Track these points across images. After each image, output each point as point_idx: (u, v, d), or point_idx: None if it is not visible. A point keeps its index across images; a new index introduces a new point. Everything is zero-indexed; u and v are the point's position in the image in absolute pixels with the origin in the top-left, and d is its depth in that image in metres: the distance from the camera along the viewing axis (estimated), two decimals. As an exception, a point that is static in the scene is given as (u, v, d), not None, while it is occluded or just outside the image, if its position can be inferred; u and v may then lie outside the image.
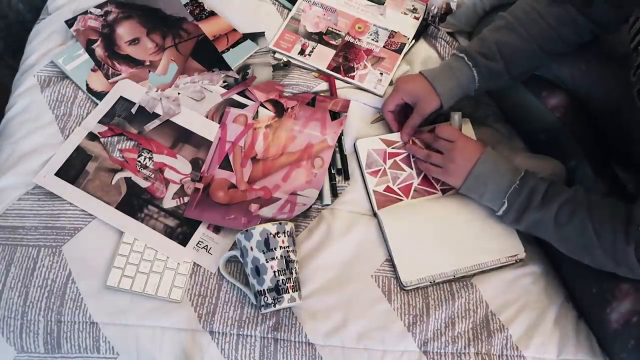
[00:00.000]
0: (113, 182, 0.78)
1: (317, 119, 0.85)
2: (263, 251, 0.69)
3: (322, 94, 0.90)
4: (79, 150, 0.80)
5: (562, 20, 0.76)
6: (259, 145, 0.83)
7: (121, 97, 0.85)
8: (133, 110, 0.84)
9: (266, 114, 0.86)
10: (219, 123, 0.84)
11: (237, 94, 0.87)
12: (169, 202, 0.78)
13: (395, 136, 0.85)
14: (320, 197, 0.81)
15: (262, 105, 0.86)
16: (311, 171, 0.82)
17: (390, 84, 0.92)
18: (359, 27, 0.97)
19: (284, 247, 0.70)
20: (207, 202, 0.78)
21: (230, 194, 0.79)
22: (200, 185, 0.79)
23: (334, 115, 0.87)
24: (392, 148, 0.84)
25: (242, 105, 0.86)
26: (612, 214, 0.67)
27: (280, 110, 0.86)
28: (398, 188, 0.82)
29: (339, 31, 0.96)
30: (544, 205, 0.70)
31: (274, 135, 0.84)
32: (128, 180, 0.79)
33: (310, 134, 0.84)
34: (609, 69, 0.81)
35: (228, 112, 0.85)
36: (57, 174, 0.78)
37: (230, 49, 0.92)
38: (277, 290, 0.69)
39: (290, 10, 0.98)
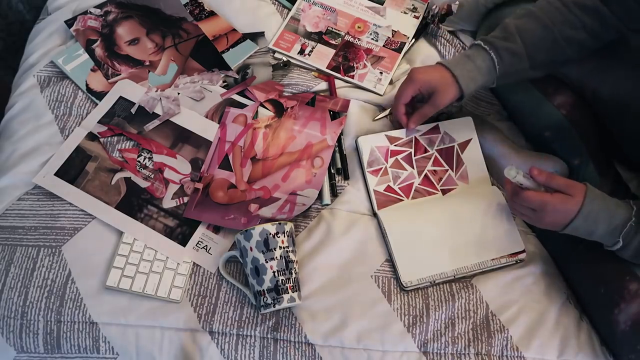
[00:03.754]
0: (113, 182, 0.78)
1: (317, 118, 0.85)
2: (262, 251, 0.69)
3: (321, 94, 0.89)
4: (78, 150, 0.80)
5: (585, 8, 0.73)
6: (258, 145, 0.83)
7: (121, 97, 0.85)
8: (133, 110, 0.84)
9: (266, 113, 0.86)
10: (218, 123, 0.84)
11: (237, 93, 0.87)
12: (168, 202, 0.78)
13: (399, 133, 0.85)
14: (320, 196, 0.81)
15: (261, 105, 0.86)
16: (311, 171, 0.82)
17: (390, 83, 0.92)
18: (359, 27, 0.97)
19: (284, 247, 0.70)
20: (207, 202, 0.78)
21: (230, 194, 0.79)
22: (199, 185, 0.79)
23: (334, 115, 0.87)
24: (395, 145, 0.84)
25: (241, 105, 0.86)
26: None
27: (279, 110, 0.86)
28: (399, 188, 0.82)
29: (339, 31, 0.96)
30: None
31: (274, 135, 0.84)
32: (128, 180, 0.79)
33: (309, 133, 0.84)
34: (620, 65, 0.80)
35: (228, 112, 0.85)
36: (56, 174, 0.78)
37: (230, 49, 0.92)
38: (277, 290, 0.69)
39: (289, 10, 0.98)
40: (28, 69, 0.90)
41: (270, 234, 0.70)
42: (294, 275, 0.71)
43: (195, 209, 0.77)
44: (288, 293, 0.69)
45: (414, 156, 0.84)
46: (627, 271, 0.70)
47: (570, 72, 0.83)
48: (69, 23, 0.91)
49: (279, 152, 0.83)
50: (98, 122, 0.82)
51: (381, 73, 0.92)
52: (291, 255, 0.71)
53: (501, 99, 0.92)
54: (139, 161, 0.80)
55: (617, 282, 0.69)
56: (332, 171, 0.83)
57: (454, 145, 0.85)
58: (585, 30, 0.74)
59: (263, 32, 0.94)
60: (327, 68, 0.92)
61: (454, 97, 0.77)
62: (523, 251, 0.78)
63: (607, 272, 0.71)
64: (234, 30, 0.94)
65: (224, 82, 0.89)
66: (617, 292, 0.69)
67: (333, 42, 0.95)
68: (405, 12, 0.98)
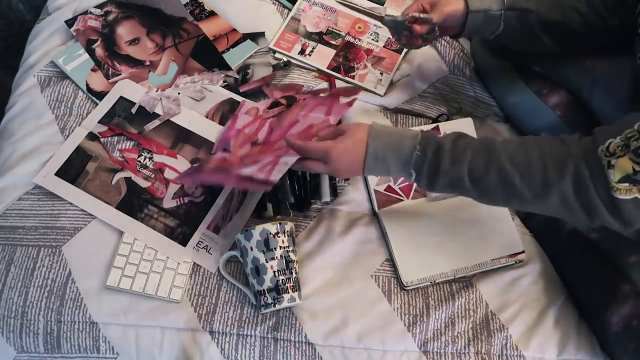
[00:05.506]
0: (113, 182, 0.78)
1: (325, 104, 0.82)
2: (263, 251, 0.69)
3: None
4: (79, 150, 0.80)
5: None
6: (262, 132, 0.82)
7: (121, 97, 0.85)
8: (133, 110, 0.84)
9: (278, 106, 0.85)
10: (219, 123, 0.84)
11: (240, 94, 0.87)
12: (169, 202, 0.78)
13: None
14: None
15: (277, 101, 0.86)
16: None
17: (391, 83, 0.92)
18: (359, 27, 0.97)
19: (284, 247, 0.70)
20: (196, 170, 0.78)
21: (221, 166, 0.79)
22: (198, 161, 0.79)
23: None
24: None
25: (242, 105, 0.86)
26: (540, 154, 0.61)
27: (291, 103, 0.85)
28: (399, 188, 0.82)
29: (339, 31, 0.96)
30: (454, 164, 0.62)
31: (279, 122, 0.83)
32: (128, 180, 0.79)
33: (313, 117, 0.81)
34: (614, 64, 0.80)
35: (243, 104, 0.84)
36: (57, 174, 0.78)
37: (230, 49, 0.92)
38: (277, 290, 0.69)
39: (290, 10, 0.98)
40: (28, 69, 0.90)
41: (270, 233, 0.70)
42: (294, 275, 0.71)
43: (185, 176, 0.78)
44: (288, 293, 0.69)
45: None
46: (620, 272, 0.70)
47: (565, 72, 0.84)
48: (69, 23, 0.91)
49: (281, 136, 0.82)
50: (98, 122, 0.83)
51: (381, 73, 0.92)
52: (291, 255, 0.71)
53: (498, 100, 0.93)
54: (139, 161, 0.80)
55: (610, 283, 0.70)
56: (332, 171, 0.83)
57: (453, 146, 0.85)
58: (588, 3, 0.74)
59: (263, 32, 0.94)
60: (327, 68, 0.92)
61: (457, 8, 0.73)
62: (522, 252, 0.78)
63: (601, 274, 0.71)
64: (234, 30, 0.94)
65: (224, 82, 0.89)
66: (610, 294, 0.70)
67: (333, 42, 0.95)
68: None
